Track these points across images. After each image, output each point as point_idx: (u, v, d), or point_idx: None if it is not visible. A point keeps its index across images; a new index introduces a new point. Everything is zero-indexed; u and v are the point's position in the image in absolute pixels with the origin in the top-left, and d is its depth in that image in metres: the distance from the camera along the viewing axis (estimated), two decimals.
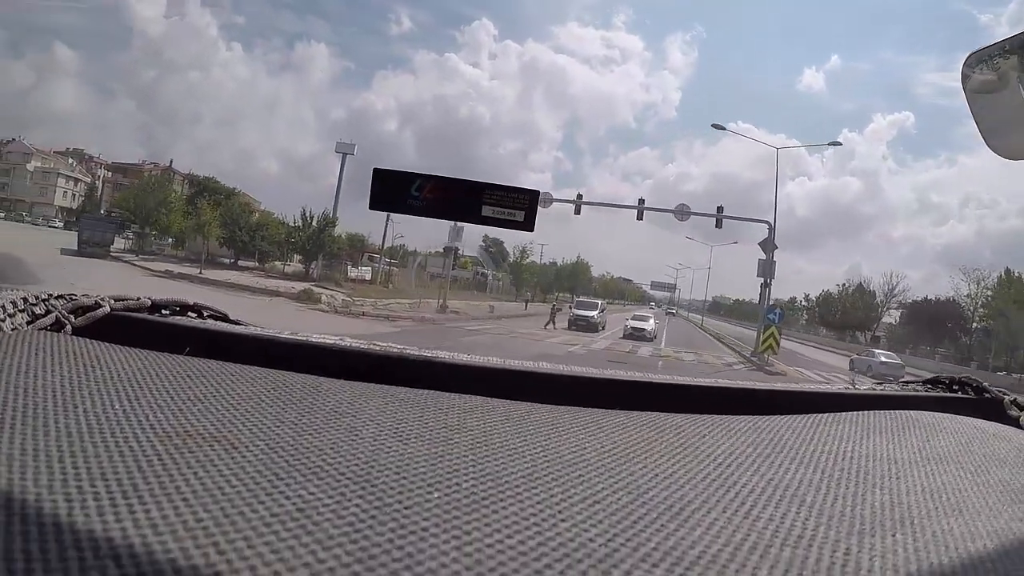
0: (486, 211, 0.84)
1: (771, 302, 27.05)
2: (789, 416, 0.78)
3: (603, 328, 31.13)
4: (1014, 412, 0.95)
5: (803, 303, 66.11)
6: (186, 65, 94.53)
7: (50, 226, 50.72)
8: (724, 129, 34.04)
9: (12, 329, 0.67)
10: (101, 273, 22.03)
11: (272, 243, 37.24)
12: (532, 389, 0.79)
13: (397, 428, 0.56)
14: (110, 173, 67.40)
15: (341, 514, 0.38)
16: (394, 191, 0.85)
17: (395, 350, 0.88)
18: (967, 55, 1.03)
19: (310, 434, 0.51)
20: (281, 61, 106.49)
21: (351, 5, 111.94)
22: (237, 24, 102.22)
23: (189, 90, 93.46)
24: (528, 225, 0.86)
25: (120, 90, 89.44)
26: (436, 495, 0.43)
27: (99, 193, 61.68)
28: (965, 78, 1.04)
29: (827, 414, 0.80)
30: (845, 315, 53.68)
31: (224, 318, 0.98)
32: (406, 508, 0.40)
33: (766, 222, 27.62)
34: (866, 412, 0.83)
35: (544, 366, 0.93)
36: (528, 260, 54.32)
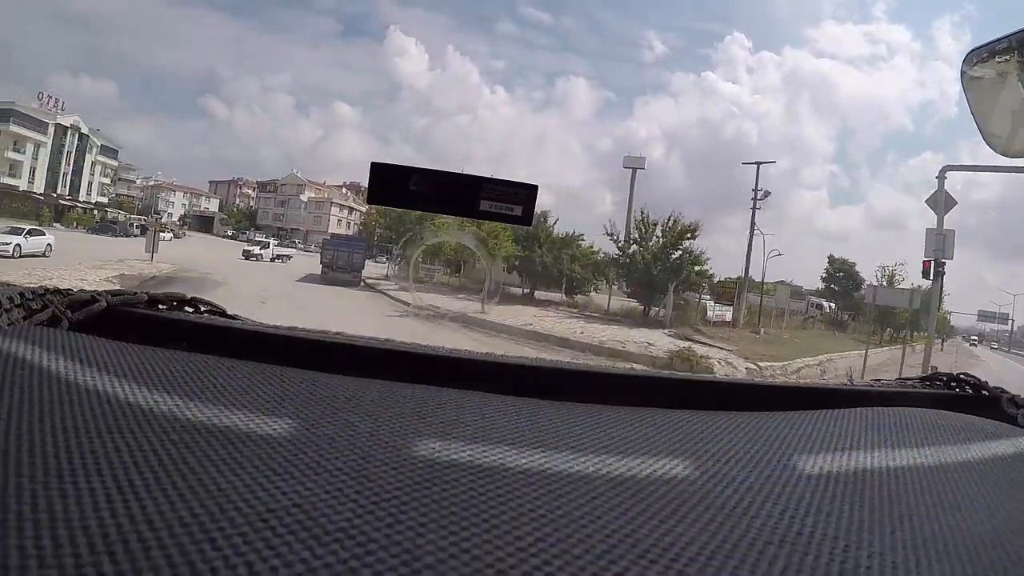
0: (484, 206, 0.85)
1: None
2: (788, 412, 0.81)
3: None
4: (1011, 410, 0.99)
5: None
6: (454, 110, 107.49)
7: None
8: None
9: (9, 324, 0.69)
10: (312, 307, 15.69)
11: (585, 267, 27.46)
12: (530, 385, 0.81)
13: (395, 423, 0.58)
14: None
15: (338, 509, 0.39)
16: (392, 186, 0.86)
17: (392, 345, 0.92)
18: (966, 53, 1.07)
19: (307, 429, 0.53)
20: (543, 98, 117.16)
21: (603, 38, 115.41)
22: (497, 69, 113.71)
23: (459, 132, 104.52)
24: (526, 220, 0.87)
25: (395, 137, 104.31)
26: (434, 490, 0.44)
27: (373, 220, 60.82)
28: (964, 75, 1.07)
29: (826, 411, 0.83)
30: None
31: (222, 312, 0.99)
32: (403, 503, 0.41)
33: None
34: (864, 409, 0.85)
35: (542, 361, 0.96)
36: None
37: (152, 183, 67.58)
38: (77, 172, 51.84)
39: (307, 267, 27.84)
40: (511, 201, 0.85)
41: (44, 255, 21.85)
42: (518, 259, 25.99)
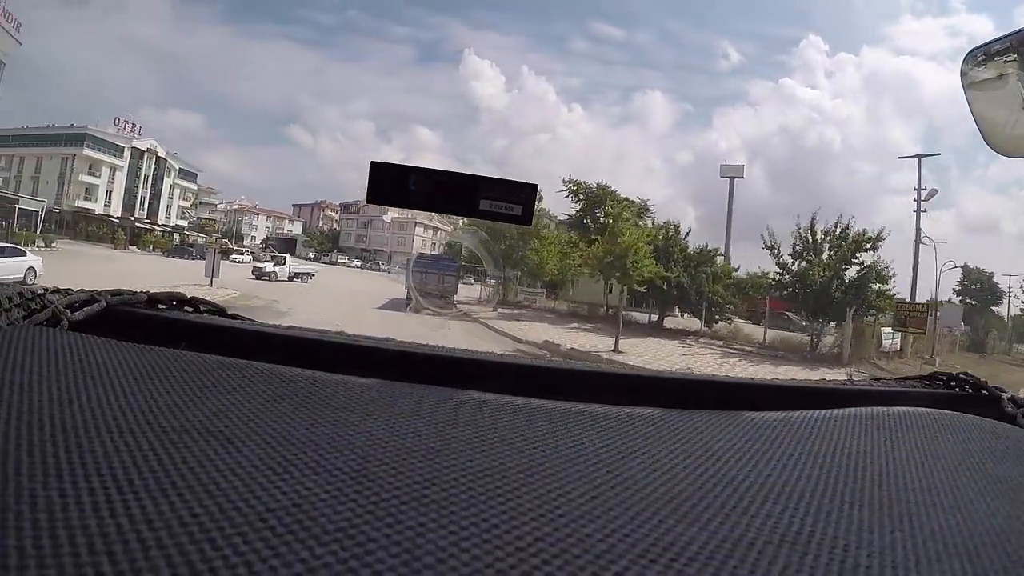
0: (484, 205, 0.85)
1: None
2: (787, 412, 0.81)
3: None
4: (1011, 409, 0.99)
5: None
6: (532, 130, 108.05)
7: None
8: None
9: (8, 324, 0.69)
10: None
11: (727, 288, 23.15)
12: (530, 384, 0.83)
13: (394, 423, 0.58)
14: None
15: (338, 509, 0.39)
16: (392, 185, 0.86)
17: (392, 344, 0.93)
18: (966, 52, 1.08)
19: (306, 429, 0.53)
20: (620, 114, 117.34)
21: (677, 49, 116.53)
22: (573, 87, 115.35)
23: (539, 151, 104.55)
24: (526, 219, 0.87)
25: (476, 158, 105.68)
26: (433, 490, 0.44)
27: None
28: (964, 75, 1.08)
29: (825, 410, 0.83)
30: None
31: (221, 311, 1.02)
32: (403, 504, 0.41)
33: None
34: (864, 408, 0.85)
35: (542, 361, 0.99)
36: None
37: (235, 207, 69.19)
38: (155, 195, 52.66)
39: (390, 290, 25.23)
40: (511, 200, 0.85)
41: (24, 282, 16.44)
42: (663, 279, 21.58)
